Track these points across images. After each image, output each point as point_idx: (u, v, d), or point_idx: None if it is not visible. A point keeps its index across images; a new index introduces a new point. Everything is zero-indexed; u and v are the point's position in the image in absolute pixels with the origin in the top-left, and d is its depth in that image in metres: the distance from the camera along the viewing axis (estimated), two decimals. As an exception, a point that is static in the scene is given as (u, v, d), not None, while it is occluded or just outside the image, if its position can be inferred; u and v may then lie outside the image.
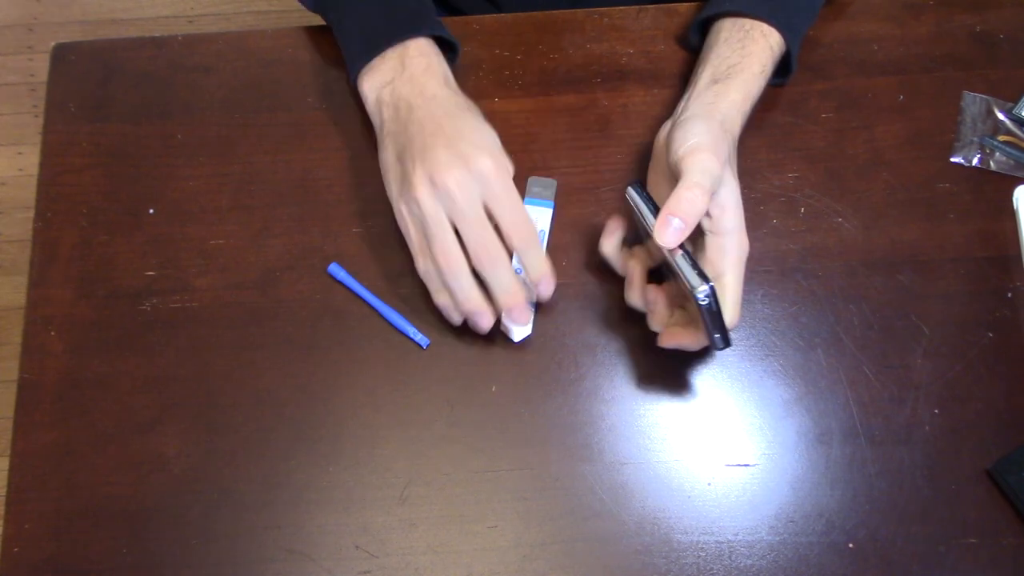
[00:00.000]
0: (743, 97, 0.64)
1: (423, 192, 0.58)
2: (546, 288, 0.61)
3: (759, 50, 0.65)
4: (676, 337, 0.60)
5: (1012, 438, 0.62)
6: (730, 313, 0.58)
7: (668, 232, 0.55)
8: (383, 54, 0.65)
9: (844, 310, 0.66)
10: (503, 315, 0.61)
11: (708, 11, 0.68)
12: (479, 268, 0.59)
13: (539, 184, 0.69)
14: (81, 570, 0.60)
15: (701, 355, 0.65)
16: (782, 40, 0.67)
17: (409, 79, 0.64)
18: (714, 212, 0.58)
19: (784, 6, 0.67)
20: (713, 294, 0.54)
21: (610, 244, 0.63)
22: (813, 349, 0.65)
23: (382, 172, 0.64)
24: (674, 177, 0.58)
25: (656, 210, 0.57)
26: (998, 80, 0.72)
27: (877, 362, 0.64)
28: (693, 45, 0.72)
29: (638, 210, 0.59)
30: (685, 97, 0.65)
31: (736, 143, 0.63)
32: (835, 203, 0.69)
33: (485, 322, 0.61)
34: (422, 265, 0.61)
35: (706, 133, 0.58)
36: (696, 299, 0.54)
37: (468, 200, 0.58)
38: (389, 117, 0.64)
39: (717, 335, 0.56)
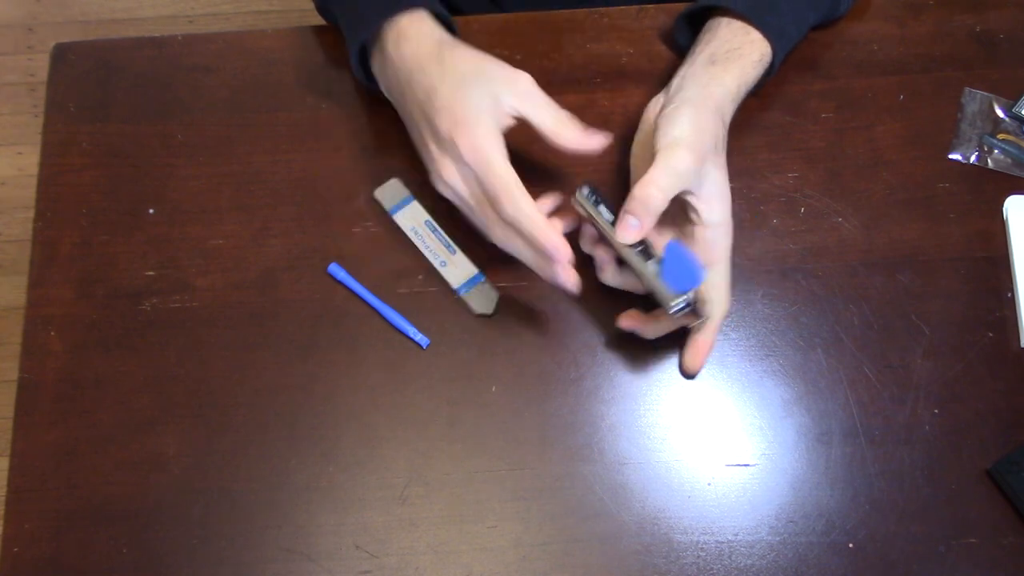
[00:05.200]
0: (738, 84, 0.64)
1: (441, 187, 0.62)
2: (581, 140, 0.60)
3: (759, 38, 0.65)
4: (635, 322, 0.63)
5: (1012, 438, 0.62)
6: (722, 304, 0.61)
7: (626, 230, 0.56)
8: (379, 27, 0.64)
9: (844, 310, 0.66)
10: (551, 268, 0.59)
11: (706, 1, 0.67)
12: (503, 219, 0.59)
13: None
14: (81, 570, 0.60)
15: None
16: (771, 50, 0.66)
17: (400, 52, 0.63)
18: (699, 206, 0.58)
19: (777, 16, 0.66)
20: (685, 306, 0.57)
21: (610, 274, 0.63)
22: (813, 349, 0.65)
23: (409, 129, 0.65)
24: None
25: (609, 207, 0.59)
26: (998, 80, 0.72)
27: (877, 362, 0.64)
28: (680, 43, 0.71)
29: (587, 212, 0.60)
30: (680, 74, 0.65)
31: (727, 129, 0.63)
32: (835, 203, 0.69)
33: (562, 257, 0.58)
34: (496, 232, 0.60)
35: (690, 126, 0.58)
36: (672, 311, 0.57)
37: (468, 191, 0.60)
38: (392, 86, 0.64)
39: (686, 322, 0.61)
